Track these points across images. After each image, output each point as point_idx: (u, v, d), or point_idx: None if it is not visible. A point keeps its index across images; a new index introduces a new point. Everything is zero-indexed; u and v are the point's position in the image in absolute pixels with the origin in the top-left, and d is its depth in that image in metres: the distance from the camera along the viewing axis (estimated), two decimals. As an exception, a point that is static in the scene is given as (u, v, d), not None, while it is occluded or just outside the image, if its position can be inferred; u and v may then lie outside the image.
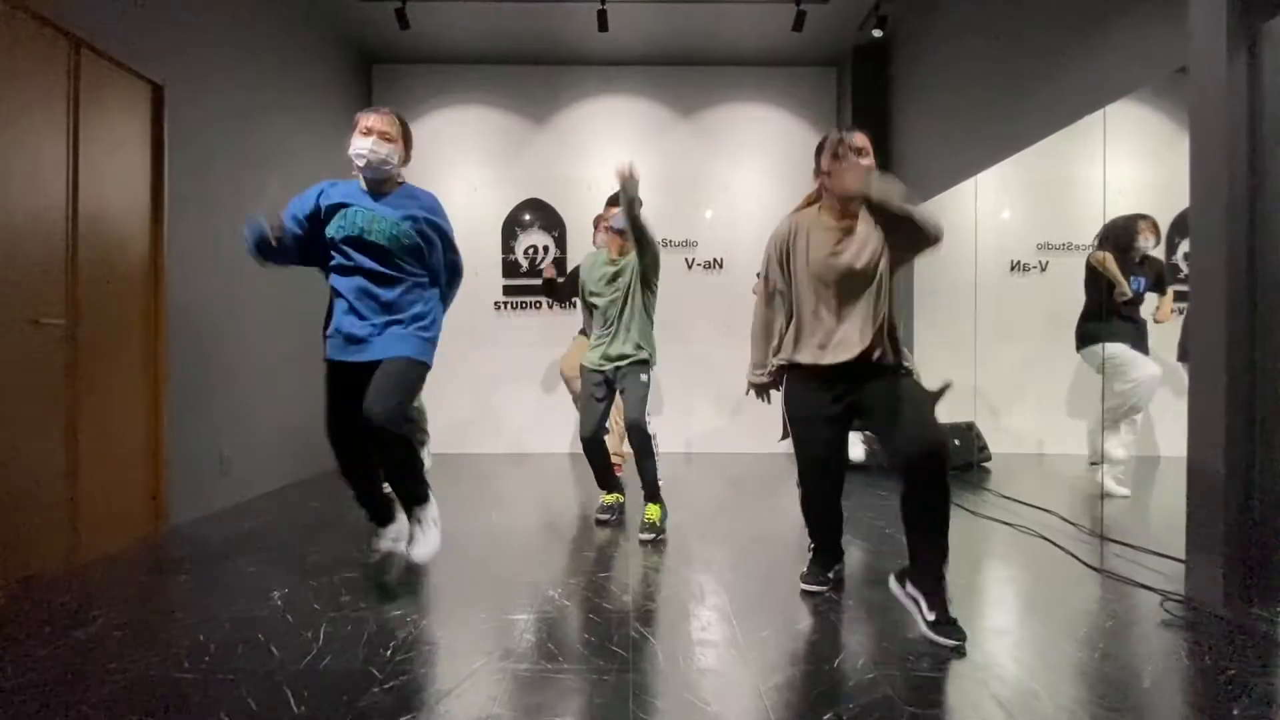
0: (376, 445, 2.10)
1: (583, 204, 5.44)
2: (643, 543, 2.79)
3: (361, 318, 2.14)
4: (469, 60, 5.38)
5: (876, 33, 4.52)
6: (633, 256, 2.91)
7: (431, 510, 2.25)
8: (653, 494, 2.92)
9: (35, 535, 2.43)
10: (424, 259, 2.24)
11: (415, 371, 2.17)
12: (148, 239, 2.98)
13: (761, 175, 5.54)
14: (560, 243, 5.45)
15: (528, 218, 5.48)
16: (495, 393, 5.41)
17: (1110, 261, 3.26)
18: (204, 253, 3.31)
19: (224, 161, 3.49)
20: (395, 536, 2.39)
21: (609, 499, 3.13)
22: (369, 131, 2.20)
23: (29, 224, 2.41)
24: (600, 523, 3.06)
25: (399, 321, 2.16)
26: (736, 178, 5.54)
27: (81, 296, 2.61)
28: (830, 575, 2.23)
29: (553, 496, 3.84)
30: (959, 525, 3.11)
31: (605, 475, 3.11)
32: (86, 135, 2.64)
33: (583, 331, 4.20)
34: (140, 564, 2.57)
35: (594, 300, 2.97)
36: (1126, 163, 4.24)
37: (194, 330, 3.22)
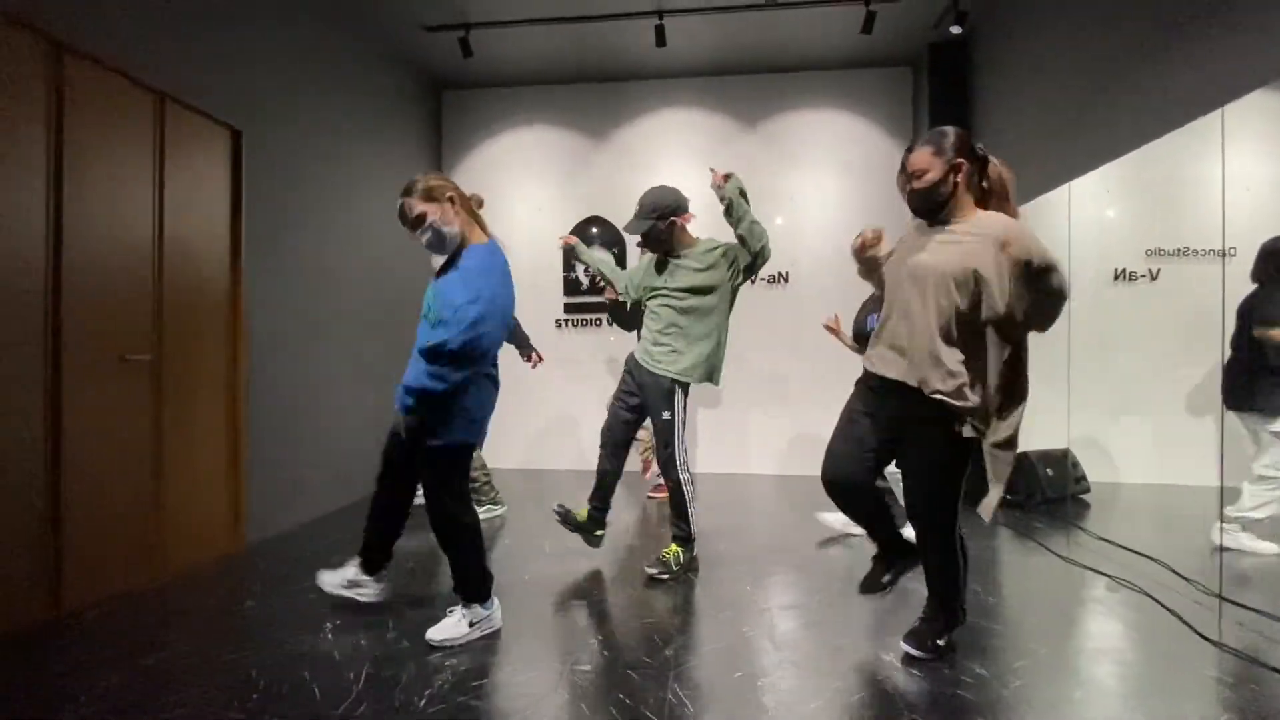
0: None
1: (644, 219, 5.38)
2: (650, 579, 2.69)
3: None
4: (532, 82, 5.45)
5: (955, 30, 4.20)
6: (688, 262, 2.75)
7: (480, 612, 2.15)
8: (683, 537, 2.77)
9: (126, 555, 2.62)
10: None
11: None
12: (228, 276, 3.17)
13: (833, 183, 5.29)
14: (621, 259, 5.42)
15: (593, 232, 5.48)
16: (557, 410, 5.45)
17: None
18: (279, 285, 3.50)
19: (297, 198, 3.68)
20: (358, 581, 2.36)
21: (581, 514, 2.85)
22: (419, 223, 2.05)
23: (119, 267, 2.61)
24: (559, 515, 2.82)
25: None
26: (805, 187, 5.31)
27: (166, 333, 2.80)
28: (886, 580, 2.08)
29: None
30: (1047, 572, 2.80)
31: (604, 489, 2.84)
32: (171, 181, 2.84)
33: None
34: (215, 586, 2.73)
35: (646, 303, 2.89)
36: (1251, 157, 3.73)
37: (271, 360, 3.41)
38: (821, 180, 5.30)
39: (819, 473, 2.02)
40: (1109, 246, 4.66)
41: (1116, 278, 4.69)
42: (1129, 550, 3.03)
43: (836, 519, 3.36)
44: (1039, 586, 2.71)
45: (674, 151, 5.42)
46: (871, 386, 1.97)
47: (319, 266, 3.86)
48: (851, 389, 2.06)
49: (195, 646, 2.13)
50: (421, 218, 2.01)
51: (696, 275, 2.73)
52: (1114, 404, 4.58)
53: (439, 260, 2.10)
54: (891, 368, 1.89)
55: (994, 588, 2.66)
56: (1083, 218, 4.36)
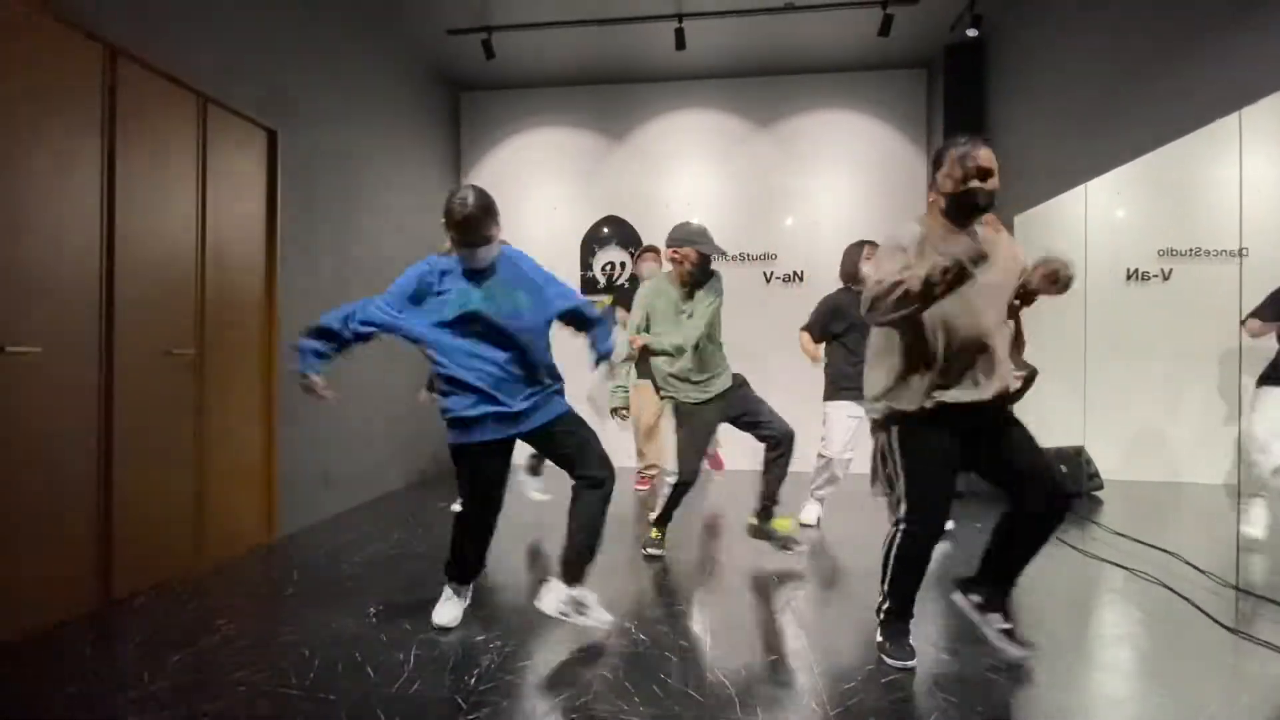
0: (599, 506, 2.13)
1: (659, 219, 5.44)
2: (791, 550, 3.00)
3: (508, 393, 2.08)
4: (549, 83, 5.53)
5: (972, 32, 4.26)
6: (703, 294, 2.91)
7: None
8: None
9: (170, 544, 2.70)
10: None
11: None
12: (263, 272, 3.25)
13: (846, 183, 5.36)
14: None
15: (605, 233, 5.56)
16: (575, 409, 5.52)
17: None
18: (309, 283, 3.58)
19: (326, 196, 3.76)
20: (467, 597, 2.31)
21: (659, 534, 3.03)
22: (489, 240, 2.03)
23: (165, 263, 2.69)
24: (651, 558, 2.97)
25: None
26: (819, 187, 5.39)
27: (208, 328, 2.88)
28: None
29: (628, 516, 3.87)
30: (1065, 565, 2.87)
31: (672, 513, 3.01)
32: (212, 180, 2.92)
33: (642, 375, 4.21)
34: (256, 573, 2.81)
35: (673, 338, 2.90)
36: (1264, 159, 3.78)
37: (302, 354, 3.49)
38: (835, 181, 5.37)
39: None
40: (1121, 247, 4.72)
41: (1129, 278, 4.75)
42: (1144, 544, 3.09)
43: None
44: (1058, 578, 2.78)
45: (689, 152, 5.50)
46: (953, 418, 1.83)
47: (348, 264, 3.95)
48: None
49: (246, 629, 2.21)
50: (491, 239, 2.03)
51: (716, 305, 2.94)
52: (1127, 402, 4.63)
53: (452, 264, 2.09)
54: (984, 390, 1.82)
55: (1014, 579, 2.73)
56: (1095, 218, 4.43)
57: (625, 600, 2.48)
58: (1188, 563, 2.78)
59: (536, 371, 2.12)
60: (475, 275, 2.07)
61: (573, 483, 2.17)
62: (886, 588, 1.97)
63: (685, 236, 2.85)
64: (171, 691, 1.78)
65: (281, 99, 3.34)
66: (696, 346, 2.85)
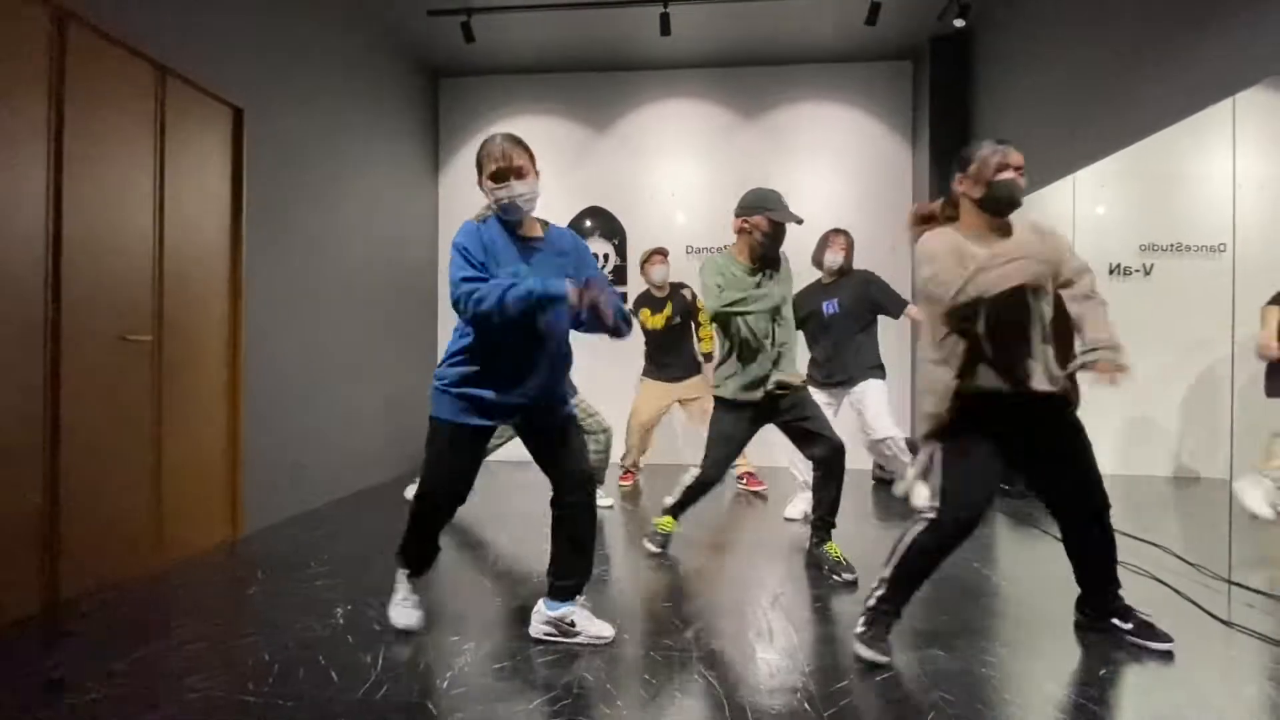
0: (588, 510, 2.02)
1: (643, 211, 5.36)
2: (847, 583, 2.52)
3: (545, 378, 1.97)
4: (531, 70, 5.40)
5: (959, 23, 4.22)
6: (771, 281, 2.67)
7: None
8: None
9: (124, 541, 2.54)
10: None
11: None
12: (227, 257, 3.10)
13: (831, 174, 5.30)
14: (620, 250, 5.39)
15: (588, 225, 5.44)
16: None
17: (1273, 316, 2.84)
18: (278, 269, 3.43)
19: (297, 180, 3.61)
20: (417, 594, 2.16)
21: (672, 527, 2.87)
22: (523, 173, 1.95)
23: (119, 244, 2.53)
24: (655, 554, 2.85)
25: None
26: (804, 178, 5.32)
27: (166, 313, 2.73)
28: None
29: (613, 514, 3.76)
30: (1055, 558, 2.83)
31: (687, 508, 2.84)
32: (172, 158, 2.76)
33: (649, 373, 4.08)
34: (217, 572, 2.66)
35: (746, 318, 2.57)
36: (1253, 155, 3.79)
37: (269, 343, 3.33)
38: (820, 172, 5.31)
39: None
40: (1103, 241, 4.72)
41: (1111, 272, 4.76)
42: (1133, 537, 3.06)
43: None
44: (1049, 571, 2.73)
45: (673, 143, 5.40)
46: (1002, 409, 1.85)
47: (317, 251, 3.79)
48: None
49: (202, 632, 2.07)
50: (526, 172, 1.95)
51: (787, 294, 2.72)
52: (1111, 397, 4.63)
53: (483, 226, 1.94)
54: (1035, 381, 1.85)
55: (1005, 572, 2.68)
56: (1081, 211, 4.42)
57: (608, 599, 2.38)
58: (1179, 556, 2.75)
59: (557, 364, 2.00)
60: (525, 250, 1.97)
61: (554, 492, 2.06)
62: (889, 573, 1.90)
63: (755, 202, 2.53)
64: (118, 700, 1.65)
65: (248, 75, 3.18)
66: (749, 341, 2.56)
